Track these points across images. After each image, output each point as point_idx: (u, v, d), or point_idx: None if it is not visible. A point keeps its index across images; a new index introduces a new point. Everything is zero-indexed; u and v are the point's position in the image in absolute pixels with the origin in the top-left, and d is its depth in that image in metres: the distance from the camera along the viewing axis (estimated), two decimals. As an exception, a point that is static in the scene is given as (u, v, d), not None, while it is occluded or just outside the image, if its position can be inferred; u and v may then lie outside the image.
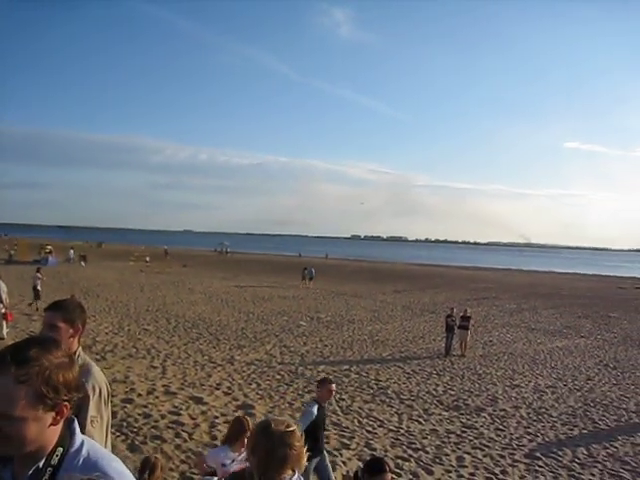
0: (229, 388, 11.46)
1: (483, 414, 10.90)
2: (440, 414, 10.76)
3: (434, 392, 12.44)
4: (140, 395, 10.42)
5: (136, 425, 8.67)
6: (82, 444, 1.66)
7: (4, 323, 15.05)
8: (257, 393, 11.26)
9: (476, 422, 10.36)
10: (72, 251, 53.14)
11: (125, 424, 8.65)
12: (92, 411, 2.81)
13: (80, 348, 3.04)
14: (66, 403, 1.56)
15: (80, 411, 2.68)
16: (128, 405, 9.65)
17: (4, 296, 15.28)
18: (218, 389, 11.32)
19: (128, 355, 13.90)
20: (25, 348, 1.53)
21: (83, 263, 48.47)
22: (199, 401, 10.32)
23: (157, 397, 10.38)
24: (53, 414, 1.54)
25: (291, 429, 2.45)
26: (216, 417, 9.42)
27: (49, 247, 53.80)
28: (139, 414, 9.25)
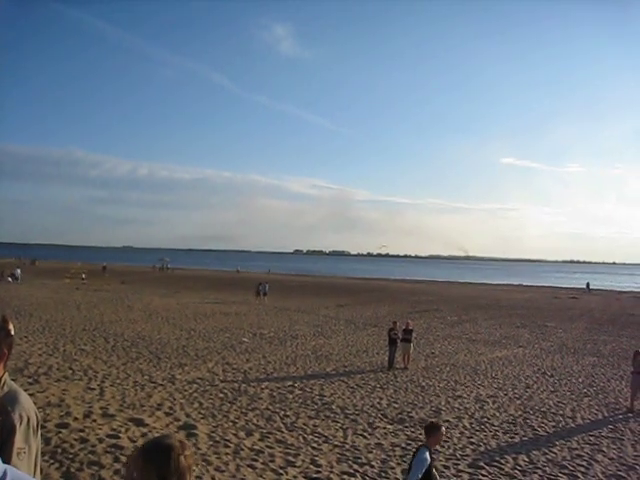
0: (170, 408, 11.15)
1: (427, 426, 10.98)
2: (385, 427, 10.78)
3: (378, 406, 12.46)
4: (76, 419, 9.97)
5: (72, 451, 8.27)
6: (5, 474, 1.55)
7: None
8: (199, 412, 11.00)
9: (420, 434, 10.36)
10: (19, 270, 50.51)
11: (60, 450, 8.24)
12: (19, 442, 2.60)
13: (7, 374, 2.84)
14: None
15: (6, 442, 2.50)
16: (63, 430, 9.21)
17: None
18: (159, 409, 11.00)
19: (63, 377, 13.35)
20: None
21: (10, 279, 46.62)
22: (139, 423, 9.97)
23: (94, 420, 9.97)
24: None
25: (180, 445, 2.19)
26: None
27: (-24, 265, 51.65)
28: (75, 439, 8.84)
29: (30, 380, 12.56)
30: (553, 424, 11.56)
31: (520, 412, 12.39)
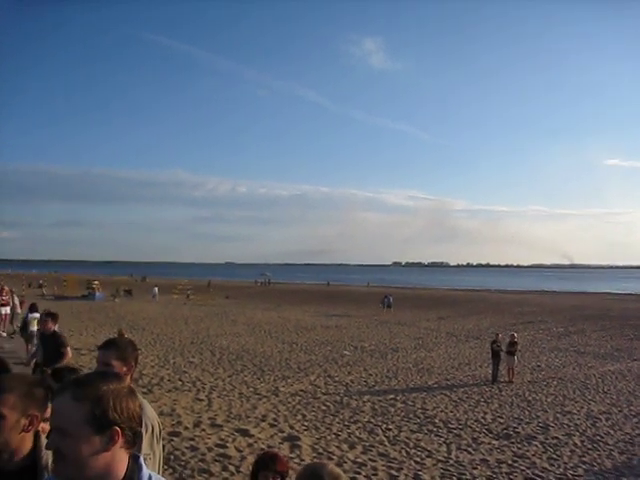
0: (275, 420, 11.41)
1: (534, 442, 10.56)
2: (490, 443, 10.48)
3: (482, 420, 12.15)
4: (187, 428, 10.45)
5: (183, 458, 8.68)
6: (150, 479, 1.72)
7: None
8: (303, 424, 11.18)
9: (527, 451, 10.05)
10: (156, 289, 52.80)
11: (172, 457, 8.67)
12: (145, 448, 2.84)
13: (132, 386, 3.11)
14: (117, 429, 1.60)
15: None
16: (175, 438, 9.67)
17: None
18: (264, 421, 11.28)
19: (174, 388, 14.01)
20: (87, 375, 1.72)
21: (115, 300, 49.21)
22: (245, 433, 10.29)
23: (203, 430, 10.39)
24: (104, 438, 1.59)
25: (341, 476, 2.26)
26: (262, 449, 9.36)
27: (96, 282, 54.91)
28: (186, 447, 9.26)
29: (144, 390, 13.25)
30: (675, 444, 10.81)
31: (638, 431, 11.64)
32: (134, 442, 1.69)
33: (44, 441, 2.08)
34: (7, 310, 20.55)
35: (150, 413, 3.03)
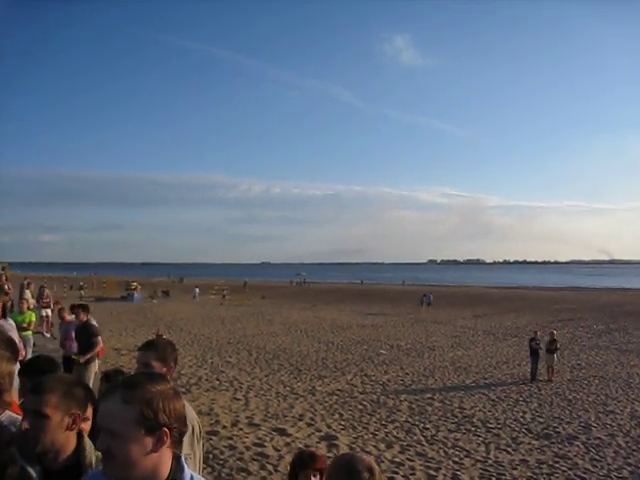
0: (312, 419, 11.43)
1: (576, 443, 10.35)
2: (530, 443, 10.31)
3: (522, 420, 11.96)
4: (225, 427, 10.54)
5: (222, 457, 8.75)
6: (192, 479, 1.76)
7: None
8: (340, 424, 11.18)
9: (569, 452, 9.85)
10: (197, 289, 53.58)
11: (211, 456, 8.74)
12: (186, 448, 2.87)
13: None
14: (166, 430, 1.63)
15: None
16: (213, 437, 9.76)
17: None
18: (301, 420, 11.31)
19: (212, 387, 14.15)
20: (134, 376, 1.78)
21: (153, 301, 49.85)
22: (283, 432, 10.33)
23: (241, 429, 10.47)
24: (153, 439, 1.62)
25: (373, 466, 2.32)
26: (300, 449, 9.37)
27: (134, 284, 55.79)
28: (224, 446, 9.33)
29: (183, 390, 13.40)
30: None
31: (684, 430, 11.33)
32: (179, 442, 1.74)
33: (87, 440, 2.13)
34: (48, 312, 20.96)
35: (190, 413, 3.06)
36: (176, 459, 1.73)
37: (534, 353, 16.86)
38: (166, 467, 1.68)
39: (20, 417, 2.46)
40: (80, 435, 2.13)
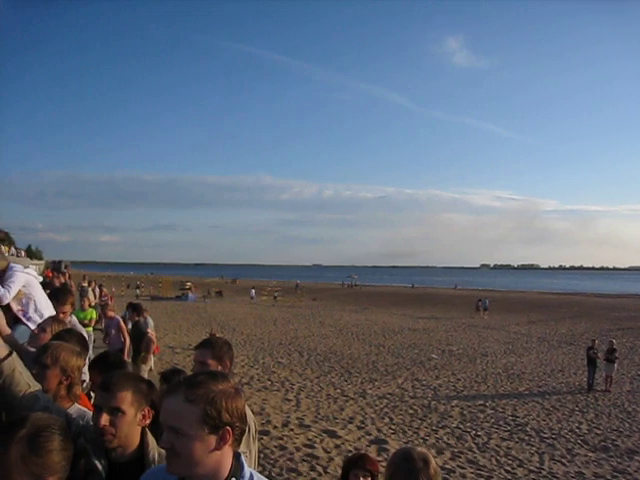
0: (362, 422, 11.43)
1: (637, 457, 9.96)
2: (586, 455, 10.01)
3: (577, 430, 11.64)
4: (275, 427, 10.65)
5: (272, 457, 8.86)
6: (251, 476, 1.78)
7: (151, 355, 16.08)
8: (390, 428, 11.14)
9: (628, 466, 9.50)
10: (253, 290, 53.62)
11: (262, 455, 8.83)
12: (242, 446, 2.95)
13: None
14: (229, 428, 1.67)
15: None
16: (264, 437, 9.85)
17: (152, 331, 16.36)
18: (351, 423, 11.32)
19: (263, 387, 14.32)
20: (196, 375, 1.77)
21: (207, 301, 50.44)
22: (333, 434, 10.37)
23: (292, 430, 10.56)
24: (216, 437, 1.66)
25: (429, 458, 2.42)
26: (350, 451, 9.37)
27: (189, 284, 56.92)
28: (275, 446, 9.44)
29: (235, 389, 13.59)
30: None
31: None
32: (240, 440, 1.76)
33: (150, 436, 2.21)
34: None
35: (248, 412, 3.14)
36: (236, 457, 1.76)
37: (591, 362, 16.38)
38: (227, 464, 1.72)
39: (87, 411, 2.59)
40: (144, 431, 2.22)
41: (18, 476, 1.72)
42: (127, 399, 2.13)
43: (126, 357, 10.10)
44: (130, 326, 11.58)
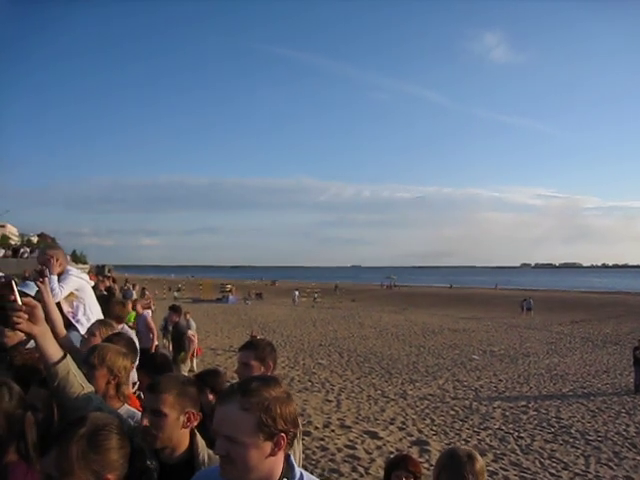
0: (403, 423, 11.42)
1: (686, 460, 9.75)
2: (634, 459, 9.76)
3: (624, 433, 11.38)
4: (317, 428, 10.72)
5: (314, 458, 8.92)
6: (302, 476, 1.82)
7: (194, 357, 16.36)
8: (431, 429, 11.10)
9: (679, 470, 9.30)
10: (297, 292, 54.01)
11: (304, 456, 8.88)
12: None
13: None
14: (283, 434, 1.70)
15: None
16: (306, 437, 9.87)
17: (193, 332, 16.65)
18: (392, 424, 11.33)
19: (304, 388, 14.41)
20: (249, 382, 1.78)
21: (247, 302, 50.90)
22: (374, 435, 10.38)
23: (333, 430, 10.61)
24: (271, 444, 1.69)
25: (474, 455, 2.50)
26: (391, 452, 9.37)
27: (229, 286, 57.47)
28: (316, 447, 9.51)
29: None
30: None
31: None
32: (292, 444, 1.80)
33: (199, 438, 2.30)
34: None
35: None
36: (286, 458, 1.79)
37: (638, 363, 16.00)
38: (280, 467, 1.75)
39: (137, 412, 2.70)
40: (193, 433, 2.30)
41: (81, 472, 1.80)
42: (168, 401, 2.20)
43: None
44: (171, 327, 11.84)
